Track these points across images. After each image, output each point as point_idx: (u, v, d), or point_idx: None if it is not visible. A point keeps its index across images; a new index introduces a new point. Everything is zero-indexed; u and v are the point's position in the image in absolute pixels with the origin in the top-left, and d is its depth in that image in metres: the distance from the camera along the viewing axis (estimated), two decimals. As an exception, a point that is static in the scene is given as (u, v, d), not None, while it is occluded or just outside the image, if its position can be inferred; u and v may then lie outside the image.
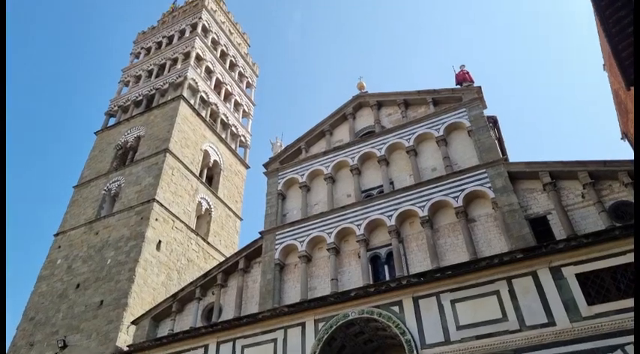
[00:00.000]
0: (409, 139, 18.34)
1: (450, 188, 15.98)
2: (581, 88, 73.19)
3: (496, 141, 17.37)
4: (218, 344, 14.07)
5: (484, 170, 15.73)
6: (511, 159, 17.52)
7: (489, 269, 11.49)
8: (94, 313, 20.35)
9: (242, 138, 35.58)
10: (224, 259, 22.50)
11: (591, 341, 9.48)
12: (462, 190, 15.71)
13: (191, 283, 19.53)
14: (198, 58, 34.49)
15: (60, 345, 19.74)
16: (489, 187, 15.25)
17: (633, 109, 12.24)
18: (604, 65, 16.16)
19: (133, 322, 19.10)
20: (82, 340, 19.55)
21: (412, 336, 11.38)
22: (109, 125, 32.52)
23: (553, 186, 14.32)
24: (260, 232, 18.96)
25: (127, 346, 17.45)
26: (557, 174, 14.54)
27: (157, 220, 23.49)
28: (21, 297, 64.14)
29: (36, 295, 23.11)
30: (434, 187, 16.33)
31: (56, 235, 25.89)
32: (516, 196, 14.68)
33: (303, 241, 17.68)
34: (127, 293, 20.33)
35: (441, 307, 11.56)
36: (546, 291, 10.47)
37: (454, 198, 15.65)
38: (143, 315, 19.15)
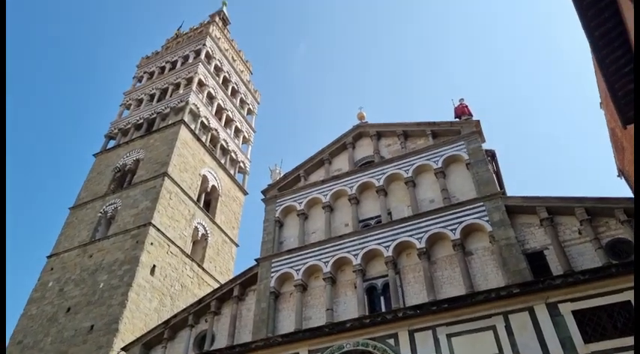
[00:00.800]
0: (408, 170, 18.50)
1: (448, 220, 16.02)
2: (578, 125, 74.32)
3: (494, 174, 17.53)
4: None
5: (482, 203, 15.83)
6: (508, 193, 17.67)
7: (486, 303, 11.42)
8: (83, 338, 19.95)
9: (241, 164, 35.77)
10: (219, 285, 22.24)
11: (589, 380, 9.38)
12: (460, 222, 15.75)
13: (184, 309, 19.24)
14: (201, 84, 35.04)
15: (47, 371, 19.30)
16: (487, 221, 15.31)
17: (630, 146, 12.46)
18: (601, 103, 16.50)
19: (123, 349, 18.71)
20: (71, 366, 19.12)
21: (408, 370, 11.21)
22: (108, 147, 32.70)
23: (550, 221, 14.39)
24: (256, 260, 18.84)
25: (116, 374, 17.06)
26: (555, 209, 14.63)
27: (152, 244, 23.33)
28: (10, 319, 62.78)
29: (25, 318, 22.68)
30: (432, 219, 16.37)
31: (49, 256, 25.64)
32: (513, 231, 14.72)
33: (299, 270, 17.56)
34: (119, 318, 20.00)
35: (436, 340, 11.43)
36: (543, 328, 10.39)
37: (452, 230, 15.67)
38: (134, 341, 18.77)
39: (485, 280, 14.42)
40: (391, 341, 12.01)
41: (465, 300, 12.75)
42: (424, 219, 16.52)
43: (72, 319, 21.13)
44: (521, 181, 72.26)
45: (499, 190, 16.32)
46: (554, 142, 77.59)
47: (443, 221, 16.09)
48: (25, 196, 79.82)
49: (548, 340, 10.14)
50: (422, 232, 16.16)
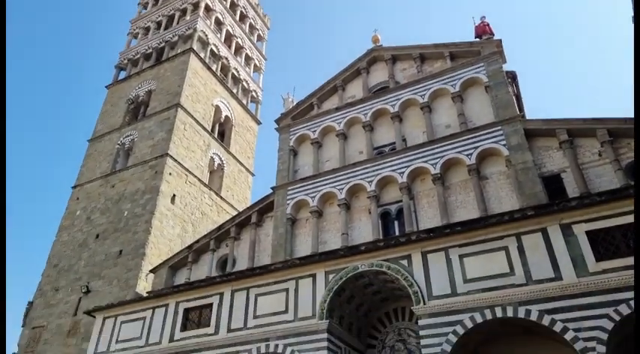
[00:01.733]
0: (424, 95, 18.04)
1: (464, 146, 15.86)
2: (605, 43, 70.31)
3: (514, 97, 17.01)
4: (232, 292, 14.59)
5: (500, 127, 15.53)
6: (528, 116, 17.24)
7: (499, 226, 11.55)
8: (114, 262, 21.21)
9: (253, 93, 35.24)
10: (237, 213, 22.94)
11: (597, 295, 9.64)
12: (476, 147, 15.59)
13: (205, 235, 20.11)
14: (208, 9, 33.61)
15: (83, 290, 20.79)
16: (504, 145, 15.11)
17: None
18: (633, 17, 15.39)
19: (151, 271, 19.91)
20: (104, 286, 20.52)
21: (419, 288, 11.67)
22: (119, 79, 32.34)
23: (570, 144, 14.14)
24: (272, 188, 19.21)
25: (147, 293, 18.25)
26: (575, 131, 14.32)
27: (170, 174, 23.85)
28: (44, 245, 66.52)
29: (58, 243, 24.02)
30: (447, 145, 16.22)
31: (74, 187, 26.52)
32: (531, 154, 14.56)
33: (314, 197, 17.91)
34: (145, 244, 21.05)
35: (449, 261, 11.76)
36: (555, 247, 10.55)
37: (467, 155, 15.57)
38: (161, 264, 19.91)
39: (500, 204, 14.55)
40: (404, 262, 12.41)
41: (478, 223, 12.93)
42: (439, 145, 16.38)
43: (101, 245, 22.32)
44: (542, 103, 70.15)
45: (518, 113, 15.92)
46: (577, 62, 74.10)
47: (458, 146, 15.95)
48: (46, 128, 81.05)
49: (559, 258, 10.34)
50: (437, 158, 16.10)
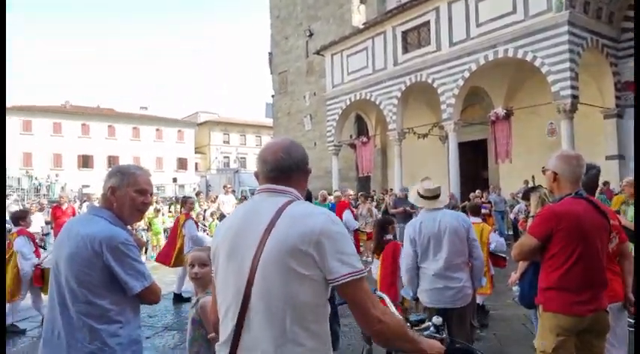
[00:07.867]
0: None
1: None
2: None
3: None
4: (449, 4, 13.52)
5: None
6: None
7: None
8: (325, 1, 21.69)
9: None
10: None
11: None
12: None
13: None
14: None
15: (307, 34, 22.61)
16: None
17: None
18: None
19: (361, 1, 19.73)
20: (323, 26, 21.75)
21: None
22: None
23: None
24: None
25: (362, 24, 18.54)
26: None
27: None
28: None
29: (272, -5, 25.55)
30: None
31: None
32: None
33: None
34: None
35: None
36: None
37: None
38: (368, -7, 19.38)
39: None
40: None
41: None
42: None
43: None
44: None
45: None
46: None
47: None
48: None
49: None
50: None
